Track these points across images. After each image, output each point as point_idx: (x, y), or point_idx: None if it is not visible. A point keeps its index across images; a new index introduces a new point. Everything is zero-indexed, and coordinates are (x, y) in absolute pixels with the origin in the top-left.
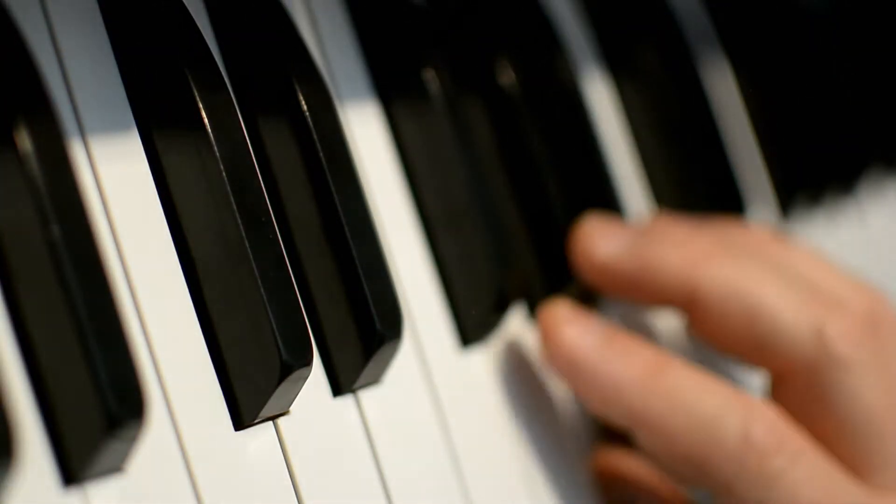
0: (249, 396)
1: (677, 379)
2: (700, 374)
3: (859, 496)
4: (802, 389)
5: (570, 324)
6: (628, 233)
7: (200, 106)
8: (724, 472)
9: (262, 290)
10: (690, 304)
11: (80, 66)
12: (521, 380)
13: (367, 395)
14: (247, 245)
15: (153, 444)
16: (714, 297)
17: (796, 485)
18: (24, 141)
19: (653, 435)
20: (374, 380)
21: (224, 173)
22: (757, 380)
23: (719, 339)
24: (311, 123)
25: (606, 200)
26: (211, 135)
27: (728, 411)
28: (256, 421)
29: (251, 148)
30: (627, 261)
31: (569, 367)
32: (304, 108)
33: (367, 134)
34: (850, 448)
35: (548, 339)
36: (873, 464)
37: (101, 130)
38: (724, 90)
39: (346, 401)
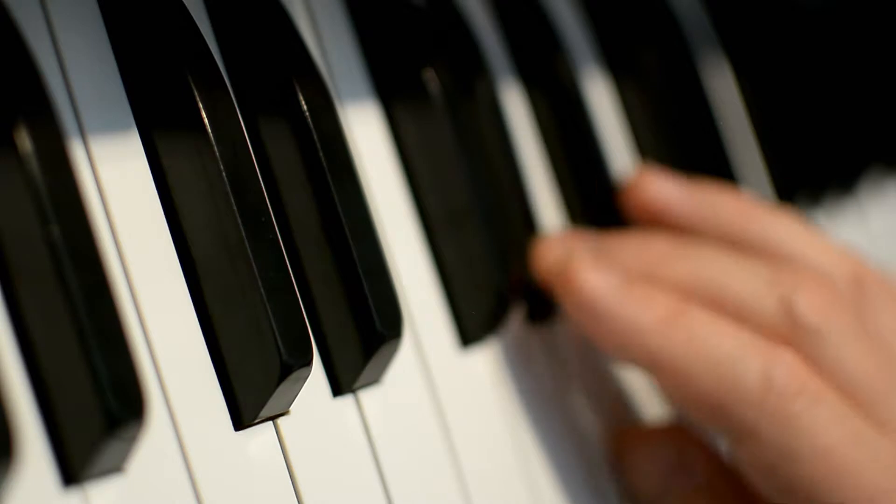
0: (249, 396)
1: (697, 323)
2: (720, 319)
3: (879, 441)
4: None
5: (591, 269)
6: (584, 247)
7: (200, 106)
8: (745, 414)
9: (262, 290)
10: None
11: (80, 66)
12: (521, 379)
13: (367, 395)
14: (247, 245)
15: (153, 444)
16: (677, 289)
17: (817, 427)
18: (24, 141)
19: (673, 378)
20: (374, 380)
21: (224, 173)
22: None
23: None
24: (311, 123)
25: (607, 200)
26: (211, 135)
27: (748, 354)
28: (256, 421)
29: (251, 148)
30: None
31: (589, 312)
32: (304, 108)
33: (367, 134)
34: None
35: (567, 284)
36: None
37: (101, 130)
38: (724, 90)
39: (346, 401)
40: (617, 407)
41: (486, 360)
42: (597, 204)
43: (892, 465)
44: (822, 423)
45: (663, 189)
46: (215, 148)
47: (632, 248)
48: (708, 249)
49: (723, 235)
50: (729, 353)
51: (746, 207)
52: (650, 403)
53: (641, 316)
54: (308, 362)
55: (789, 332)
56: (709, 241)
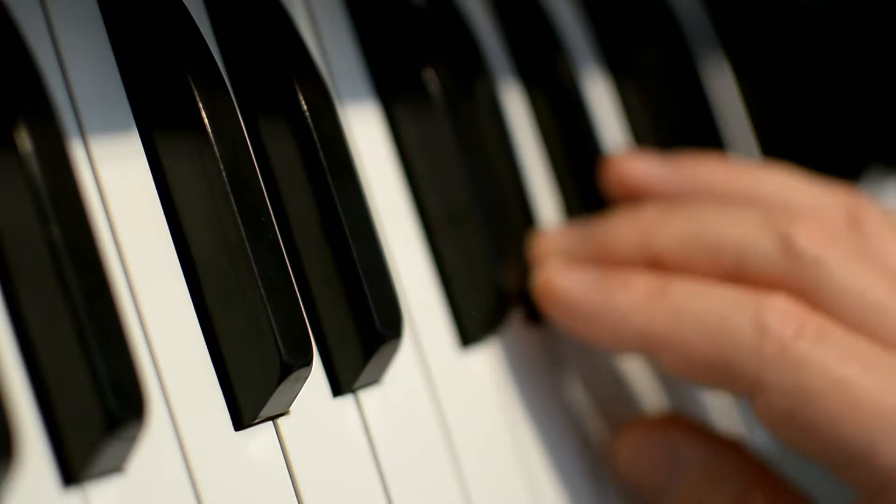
0: (249, 396)
1: (679, 292)
2: (702, 282)
3: (893, 363)
4: (795, 296)
5: (563, 273)
6: (576, 231)
7: (200, 106)
8: (748, 369)
9: (262, 290)
10: (657, 265)
11: (80, 66)
12: (521, 379)
13: (367, 395)
14: (247, 245)
15: (153, 444)
16: (673, 248)
17: (826, 362)
18: (24, 141)
19: (670, 352)
20: (374, 380)
21: (224, 173)
22: None
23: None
24: (311, 123)
25: (607, 200)
26: (211, 135)
27: (737, 309)
28: (256, 421)
29: (251, 148)
30: (582, 250)
31: (572, 313)
32: (304, 108)
33: (367, 134)
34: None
35: (545, 293)
36: (886, 346)
37: (101, 130)
38: (724, 90)
39: (346, 401)
40: (617, 406)
41: (486, 360)
42: (597, 204)
43: None
44: (830, 357)
45: (642, 163)
46: (215, 148)
47: (624, 222)
48: (699, 205)
49: (710, 196)
50: (717, 313)
51: (730, 166)
52: (650, 402)
53: (623, 301)
54: (308, 362)
55: (791, 269)
56: (699, 199)
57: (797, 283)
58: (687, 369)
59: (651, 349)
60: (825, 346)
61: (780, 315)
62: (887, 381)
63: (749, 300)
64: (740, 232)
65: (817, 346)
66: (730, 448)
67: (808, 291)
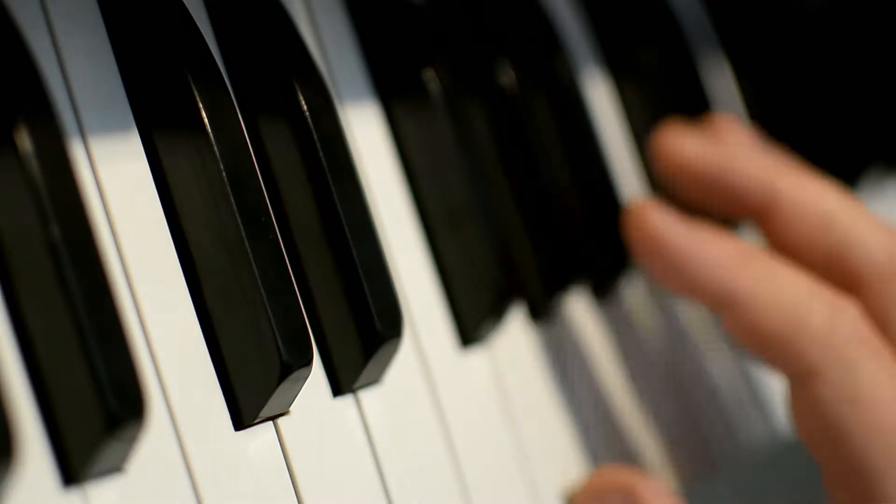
0: (249, 396)
1: (767, 264)
2: (787, 265)
3: None
4: (872, 302)
5: (660, 213)
6: (709, 140)
7: (200, 106)
8: (809, 353)
9: (262, 290)
10: (767, 211)
11: (80, 66)
12: (521, 379)
13: (367, 395)
14: (247, 245)
15: (153, 444)
16: (793, 202)
17: (879, 377)
18: (24, 141)
19: (741, 314)
20: (374, 379)
21: (224, 173)
22: None
23: (793, 247)
24: (311, 123)
25: (607, 200)
26: (211, 135)
27: (816, 298)
28: (256, 421)
29: (251, 148)
30: (711, 162)
31: (662, 248)
32: (304, 108)
33: (367, 134)
34: None
35: (639, 224)
36: None
37: (101, 130)
38: (724, 90)
39: (346, 401)
40: (617, 406)
41: (486, 360)
42: (597, 204)
43: None
44: (882, 376)
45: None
46: (215, 148)
47: (755, 152)
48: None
49: None
50: (797, 294)
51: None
52: (650, 401)
53: (712, 254)
54: (308, 362)
55: (886, 279)
56: None
57: (883, 292)
58: (751, 336)
59: (724, 307)
60: (879, 364)
61: (852, 319)
62: None
63: (828, 295)
64: (859, 221)
65: (873, 361)
66: None
67: (886, 306)
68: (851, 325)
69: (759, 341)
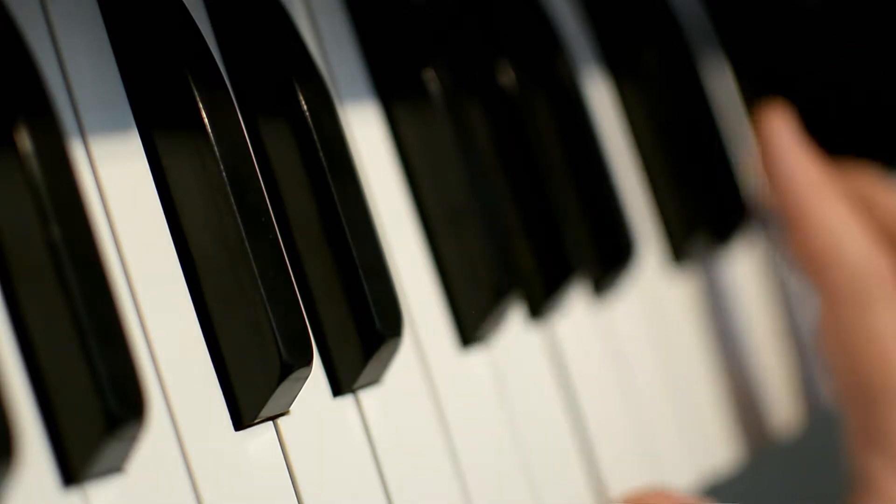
0: (249, 396)
1: (839, 203)
2: (856, 214)
3: None
4: None
5: (784, 127)
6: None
7: (200, 106)
8: (837, 281)
9: (262, 290)
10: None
11: (80, 66)
12: (521, 379)
13: (367, 395)
14: (247, 245)
15: (153, 444)
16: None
17: (885, 321)
18: (24, 141)
19: (799, 229)
20: (374, 380)
21: (224, 173)
22: None
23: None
24: (311, 123)
25: (606, 200)
26: (211, 135)
27: (858, 243)
28: (256, 421)
29: (251, 148)
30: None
31: (771, 156)
32: (304, 108)
33: (367, 134)
34: None
35: (765, 132)
36: None
37: (101, 130)
38: (724, 90)
39: (346, 401)
40: (618, 406)
41: (486, 360)
42: (597, 204)
43: None
44: (890, 322)
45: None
46: (215, 148)
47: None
48: None
49: None
50: (845, 233)
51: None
52: (650, 402)
53: (806, 175)
54: (308, 362)
55: None
56: None
57: None
58: (800, 250)
59: (790, 219)
60: (891, 313)
61: (879, 269)
62: None
63: (869, 245)
64: None
65: (886, 310)
66: None
67: None
68: (877, 273)
69: (804, 259)
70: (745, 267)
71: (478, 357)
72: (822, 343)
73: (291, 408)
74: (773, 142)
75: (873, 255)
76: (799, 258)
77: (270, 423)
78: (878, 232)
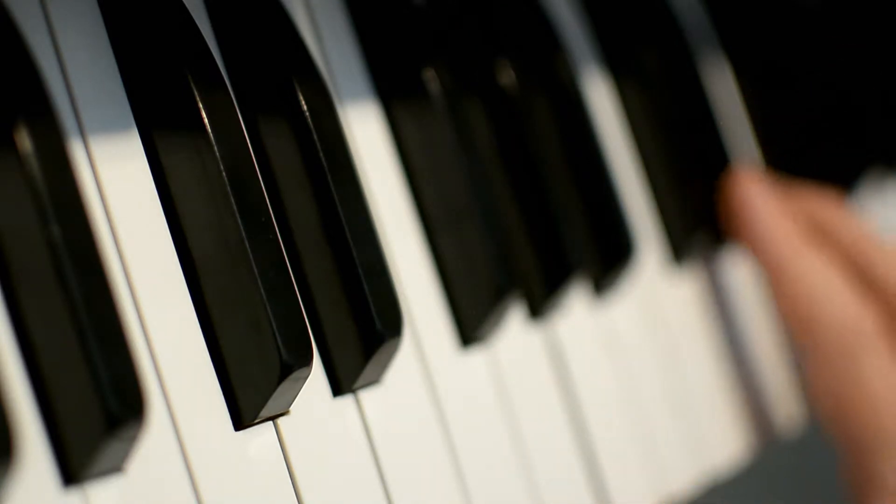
0: (249, 396)
1: (819, 258)
2: (837, 267)
3: None
4: None
5: (755, 182)
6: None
7: (200, 106)
8: (821, 338)
9: (262, 290)
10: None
11: (80, 66)
12: (521, 379)
13: (367, 395)
14: (247, 245)
15: (153, 444)
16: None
17: (871, 373)
18: (24, 141)
19: (781, 284)
20: (374, 380)
21: (224, 173)
22: None
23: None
24: (311, 123)
25: (606, 200)
26: (211, 135)
27: (841, 298)
28: (256, 421)
29: (251, 148)
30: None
31: (741, 207)
32: (304, 108)
33: (367, 134)
34: None
35: (734, 188)
36: None
37: (101, 130)
38: (724, 90)
39: (346, 401)
40: (617, 405)
41: (485, 360)
42: (597, 203)
43: None
44: (874, 371)
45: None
46: (215, 148)
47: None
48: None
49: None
50: (829, 288)
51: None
52: (650, 399)
53: (780, 231)
54: (308, 362)
55: None
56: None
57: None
58: (783, 304)
59: (772, 274)
60: (880, 360)
61: (863, 323)
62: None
63: (854, 301)
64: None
65: (875, 357)
66: None
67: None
68: (859, 326)
69: (789, 317)
70: (745, 266)
71: (478, 357)
72: (813, 398)
73: (291, 408)
74: (748, 204)
75: (854, 309)
76: (784, 315)
77: (270, 423)
78: (847, 268)
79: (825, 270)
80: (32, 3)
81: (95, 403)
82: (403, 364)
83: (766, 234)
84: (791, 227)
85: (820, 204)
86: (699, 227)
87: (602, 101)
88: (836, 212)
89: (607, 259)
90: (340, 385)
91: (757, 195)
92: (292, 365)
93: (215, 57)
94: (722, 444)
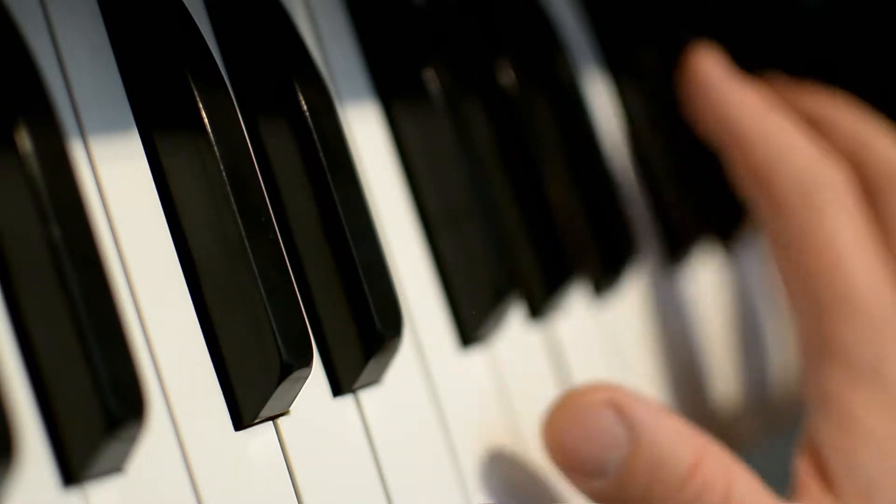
0: (249, 396)
1: (784, 122)
2: (798, 132)
3: (879, 259)
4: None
5: (711, 58)
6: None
7: (200, 106)
8: (781, 186)
9: (262, 290)
10: None
11: (80, 66)
12: (521, 379)
13: (367, 395)
14: (247, 245)
15: (153, 444)
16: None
17: (836, 226)
18: (24, 141)
19: (739, 146)
20: (374, 380)
21: (224, 173)
22: None
23: None
24: (311, 123)
25: (606, 200)
26: (211, 135)
27: (807, 150)
28: (256, 421)
29: (251, 148)
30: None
31: (698, 88)
32: (304, 108)
33: (367, 134)
34: None
35: (689, 64)
36: None
37: (101, 130)
38: None
39: (346, 401)
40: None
41: (485, 360)
42: (597, 203)
43: (881, 285)
44: (839, 226)
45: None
46: (215, 148)
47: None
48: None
49: None
50: (793, 142)
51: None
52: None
53: (740, 95)
54: (308, 362)
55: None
56: None
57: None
58: (743, 166)
59: (731, 143)
60: (841, 220)
61: (836, 180)
62: (866, 265)
63: (821, 154)
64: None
65: (835, 215)
66: (673, 417)
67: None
68: (831, 182)
69: (747, 176)
70: (745, 266)
71: (478, 357)
72: (779, 272)
73: (291, 408)
74: (701, 73)
75: (826, 164)
76: (742, 178)
77: (270, 423)
78: (837, 154)
79: (791, 129)
80: (32, 3)
81: (95, 403)
82: (403, 364)
83: (721, 98)
84: (752, 93)
85: (814, 99)
86: (700, 226)
87: (602, 101)
88: (832, 107)
89: (607, 259)
90: (340, 385)
91: (714, 65)
92: (292, 365)
93: (215, 57)
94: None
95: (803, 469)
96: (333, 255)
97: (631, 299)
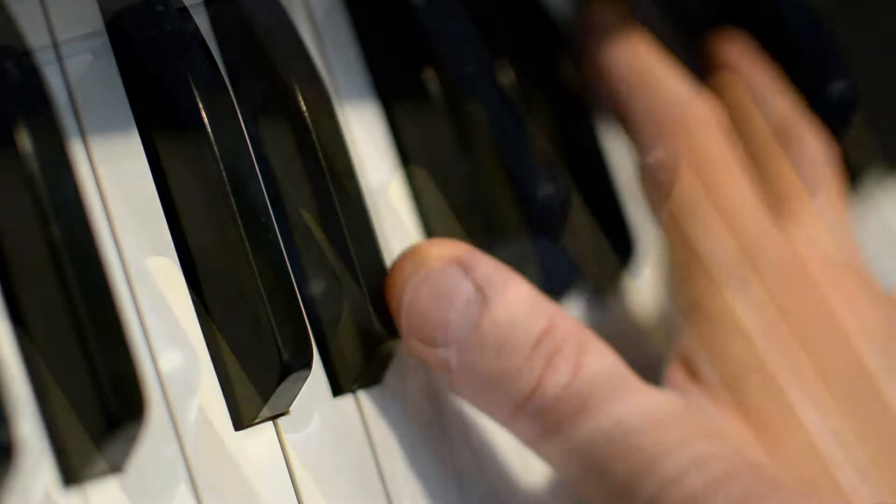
0: (249, 396)
1: (678, 71)
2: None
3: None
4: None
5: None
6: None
7: (200, 106)
8: (662, 118)
9: (262, 289)
10: None
11: (80, 66)
12: None
13: (367, 395)
14: (247, 245)
15: (153, 444)
16: None
17: (719, 150)
18: (24, 141)
19: (637, 97)
20: (375, 379)
21: (224, 173)
22: None
23: None
24: (310, 123)
25: (608, 200)
26: (211, 135)
27: (683, 84)
28: (256, 421)
29: (251, 148)
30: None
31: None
32: (304, 108)
33: (367, 134)
34: None
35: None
36: None
37: (101, 130)
38: None
39: (346, 401)
40: None
41: None
42: (598, 203)
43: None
44: (720, 151)
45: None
46: (215, 148)
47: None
48: None
49: None
50: (667, 74)
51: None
52: None
53: (634, 44)
54: (308, 362)
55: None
56: None
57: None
58: (612, 99)
59: (628, 97)
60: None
61: (711, 105)
62: None
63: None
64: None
65: (721, 140)
66: (524, 281)
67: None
68: (708, 109)
69: (647, 125)
70: None
71: None
72: (652, 208)
73: (291, 408)
74: (595, 27)
75: (702, 93)
76: (638, 131)
77: (270, 423)
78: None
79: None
80: (32, 3)
81: (95, 403)
82: (403, 364)
83: (614, 50)
84: (651, 47)
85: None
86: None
87: None
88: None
89: (607, 259)
90: (341, 385)
91: (609, 16)
92: (292, 365)
93: (215, 57)
94: None
95: (672, 372)
96: (333, 255)
97: (631, 299)
